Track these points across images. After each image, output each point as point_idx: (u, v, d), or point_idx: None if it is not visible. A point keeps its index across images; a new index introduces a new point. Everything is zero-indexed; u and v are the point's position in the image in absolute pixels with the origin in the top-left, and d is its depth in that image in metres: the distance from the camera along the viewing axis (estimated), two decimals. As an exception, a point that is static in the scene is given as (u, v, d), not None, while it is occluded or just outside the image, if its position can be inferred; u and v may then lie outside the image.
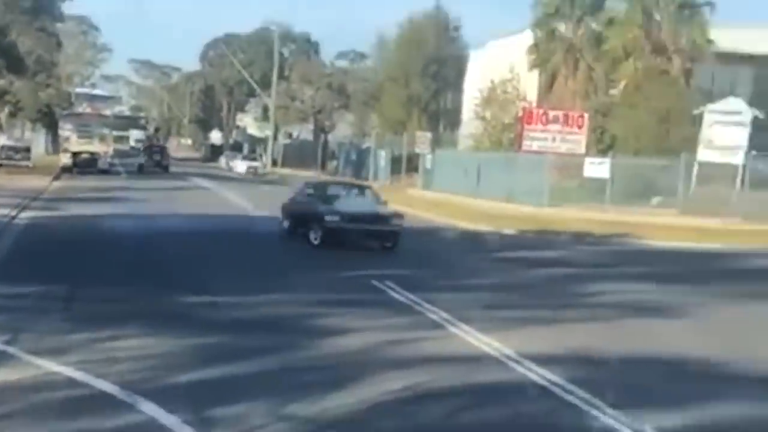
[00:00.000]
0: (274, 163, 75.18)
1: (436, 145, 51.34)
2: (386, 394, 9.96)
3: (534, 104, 46.01)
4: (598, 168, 36.33)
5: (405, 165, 50.94)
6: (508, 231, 30.51)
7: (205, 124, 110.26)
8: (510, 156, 42.03)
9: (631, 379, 11.46)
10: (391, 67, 67.54)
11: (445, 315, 14.79)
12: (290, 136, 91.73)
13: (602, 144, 41.23)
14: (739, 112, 37.71)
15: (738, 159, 35.83)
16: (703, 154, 36.61)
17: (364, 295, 16.68)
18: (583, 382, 10.84)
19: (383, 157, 54.42)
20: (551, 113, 40.71)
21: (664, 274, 21.94)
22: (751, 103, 39.16)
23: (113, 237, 23.75)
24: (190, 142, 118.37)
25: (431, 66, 65.39)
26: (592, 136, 40.81)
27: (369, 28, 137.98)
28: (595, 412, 9.86)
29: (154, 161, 61.89)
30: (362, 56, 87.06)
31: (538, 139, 39.83)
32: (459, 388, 10.60)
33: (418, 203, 40.37)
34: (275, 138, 79.59)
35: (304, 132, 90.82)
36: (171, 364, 10.72)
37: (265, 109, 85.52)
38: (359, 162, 60.63)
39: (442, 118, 67.14)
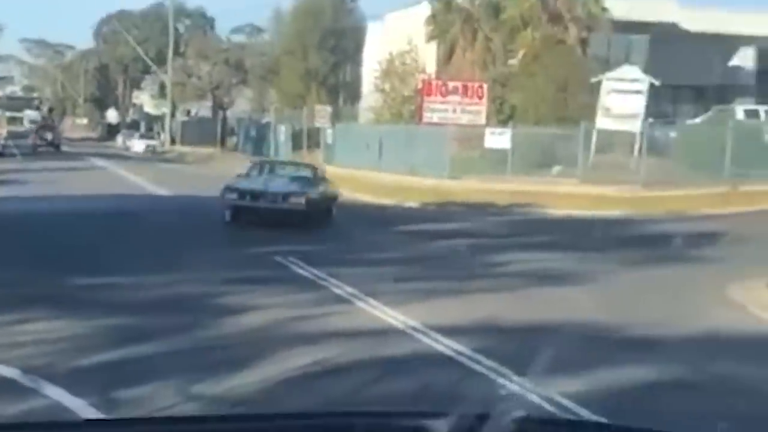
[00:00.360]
0: (173, 140, 74.23)
1: (336, 119, 51.12)
2: (294, 370, 9.87)
3: (433, 76, 46.05)
4: (498, 138, 36.53)
5: (306, 140, 50.62)
6: (411, 204, 30.56)
7: (100, 103, 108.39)
8: (411, 128, 42.06)
9: (537, 346, 11.54)
10: (288, 40, 67.06)
11: (350, 289, 14.74)
12: (188, 113, 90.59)
13: (502, 114, 41.47)
14: (635, 80, 38.25)
15: (636, 126, 36.34)
16: (602, 123, 37.07)
17: (268, 271, 16.54)
18: (490, 351, 10.89)
19: (283, 132, 54.00)
20: (450, 84, 40.80)
21: (566, 242, 22.19)
22: (647, 71, 39.76)
23: (11, 220, 23.15)
24: (86, 121, 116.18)
25: (329, 39, 65.11)
26: (492, 106, 41.02)
27: (265, 2, 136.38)
28: (502, 380, 9.91)
29: (45, 141, 61.03)
30: (259, 30, 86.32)
31: (438, 110, 39.91)
32: (367, 362, 10.55)
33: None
34: (173, 115, 78.51)
35: (203, 109, 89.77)
36: (75, 347, 10.50)
37: (162, 87, 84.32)
38: (259, 138, 60.09)
39: (342, 91, 66.96)
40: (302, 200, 23.18)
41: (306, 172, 26.14)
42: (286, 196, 23.28)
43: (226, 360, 10.27)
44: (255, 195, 23.23)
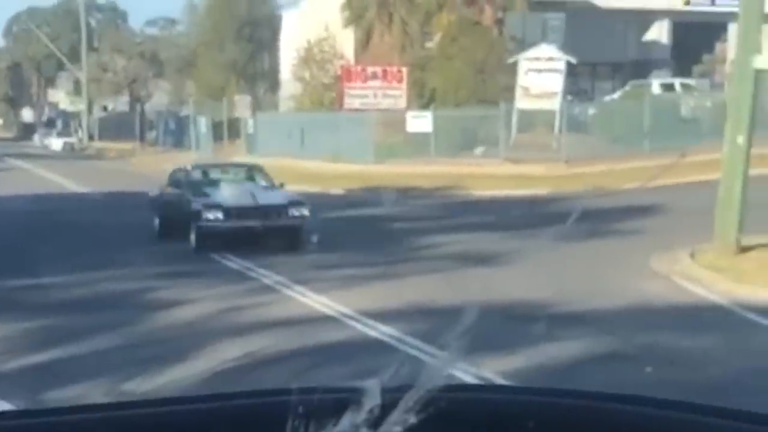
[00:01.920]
0: (91, 137, 73.18)
1: (257, 109, 50.80)
2: (226, 362, 9.80)
3: (352, 62, 45.98)
4: (420, 122, 36.59)
5: (227, 131, 50.20)
6: (336, 191, 30.50)
7: (14, 103, 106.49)
8: (332, 115, 41.95)
9: (469, 327, 11.56)
10: (204, 32, 66.41)
11: (279, 278, 14.68)
12: (105, 108, 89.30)
13: (423, 98, 41.52)
14: (552, 59, 38.55)
15: (555, 105, 36.64)
16: (521, 102, 37.31)
17: (197, 265, 16.41)
18: (422, 334, 10.89)
19: (204, 124, 53.45)
20: (370, 70, 40.77)
21: (492, 222, 22.31)
22: (564, 49, 40.10)
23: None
24: (0, 121, 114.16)
25: (245, 28, 64.56)
26: (412, 90, 41.07)
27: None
28: (435, 362, 9.91)
29: None
30: (173, 22, 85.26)
31: (359, 96, 39.87)
32: (299, 351, 10.50)
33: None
34: (90, 112, 77.39)
35: (120, 104, 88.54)
36: (2, 349, 10.29)
37: (77, 83, 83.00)
38: (179, 130, 59.46)
39: (261, 80, 66.47)
40: (306, 212, 18.86)
41: (261, 176, 21.25)
42: (283, 210, 18.62)
43: (157, 356, 10.15)
44: (243, 212, 18.14)
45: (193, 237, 17.95)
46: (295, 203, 18.83)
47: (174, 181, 20.84)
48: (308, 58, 48.97)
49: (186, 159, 48.26)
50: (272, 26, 64.23)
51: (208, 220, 17.83)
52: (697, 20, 50.27)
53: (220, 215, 17.87)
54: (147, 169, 42.06)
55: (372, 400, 1.67)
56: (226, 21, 63.92)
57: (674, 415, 1.91)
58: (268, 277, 14.83)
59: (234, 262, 16.36)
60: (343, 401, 1.69)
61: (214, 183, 19.89)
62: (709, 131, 30.77)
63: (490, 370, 9.49)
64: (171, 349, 10.53)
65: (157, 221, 20.32)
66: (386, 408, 1.62)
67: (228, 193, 18.95)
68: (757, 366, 10.16)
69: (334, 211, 25.39)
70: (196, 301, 13.11)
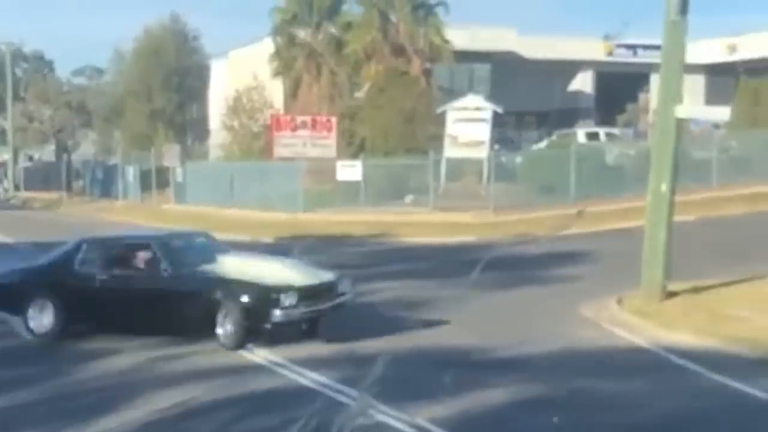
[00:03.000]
0: (17, 187, 72.25)
1: (186, 158, 50.61)
2: (156, 412, 9.71)
3: (281, 111, 46.10)
4: (350, 171, 36.71)
5: (155, 180, 49.91)
6: (266, 239, 30.40)
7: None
8: (262, 164, 41.92)
9: (400, 374, 11.60)
10: (131, 81, 66.16)
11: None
12: (31, 158, 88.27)
13: (352, 147, 41.70)
14: (479, 109, 39.02)
15: (482, 154, 37.02)
16: (450, 151, 37.65)
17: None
18: (353, 381, 10.89)
19: (132, 174, 53.12)
20: (299, 119, 40.88)
21: (422, 269, 22.39)
22: (491, 99, 40.63)
23: None
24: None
25: (173, 78, 64.45)
26: (341, 139, 41.24)
27: (104, 43, 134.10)
28: (368, 410, 9.91)
29: None
30: (100, 71, 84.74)
31: (288, 145, 39.91)
32: (230, 400, 10.45)
33: (172, 218, 39.66)
34: (15, 161, 76.45)
35: (46, 153, 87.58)
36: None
37: (2, 133, 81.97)
38: (107, 180, 58.95)
39: (190, 129, 66.31)
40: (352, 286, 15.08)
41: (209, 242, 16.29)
42: (335, 286, 14.63)
43: (85, 406, 10.03)
44: (315, 293, 14.00)
45: (232, 329, 13.47)
46: (343, 281, 14.91)
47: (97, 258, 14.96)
48: (237, 107, 48.99)
49: (114, 208, 47.93)
50: (201, 75, 64.21)
51: (284, 307, 13.44)
52: (620, 71, 51.38)
53: (293, 300, 13.56)
54: (75, 218, 41.60)
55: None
56: (154, 70, 63.78)
57: None
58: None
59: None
60: None
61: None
62: (633, 179, 31.35)
63: (422, 417, 9.53)
64: (100, 398, 10.42)
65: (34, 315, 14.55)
66: None
67: (288, 270, 14.36)
68: (680, 407, 10.33)
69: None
70: (125, 351, 13.00)
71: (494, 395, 10.56)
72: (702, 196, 31.47)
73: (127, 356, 12.59)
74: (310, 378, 11.39)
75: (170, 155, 48.27)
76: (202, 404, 10.07)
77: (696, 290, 16.93)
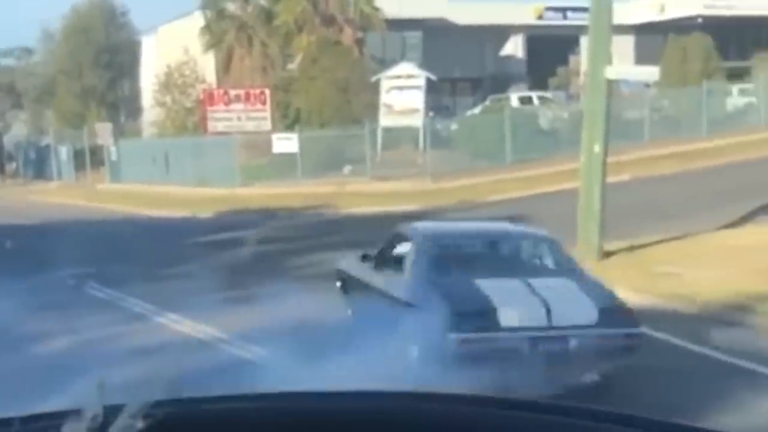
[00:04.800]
0: (-53, 172, 71.17)
1: (119, 136, 50.15)
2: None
3: (214, 85, 45.79)
4: (286, 143, 36.64)
5: (89, 159, 49.40)
6: (205, 215, 30.32)
7: None
8: (197, 139, 41.68)
9: (342, 344, 11.68)
10: (61, 60, 65.27)
11: (149, 306, 14.54)
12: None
13: (288, 119, 41.58)
14: (412, 76, 39.11)
15: (417, 121, 37.17)
16: (385, 120, 37.73)
17: (64, 295, 16.08)
18: (294, 353, 10.95)
19: (65, 153, 52.53)
20: (232, 92, 40.63)
21: (360, 240, 22.45)
22: (423, 66, 40.73)
23: None
24: None
25: (103, 55, 63.69)
26: (276, 111, 41.08)
27: (32, 22, 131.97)
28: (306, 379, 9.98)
29: None
30: (29, 52, 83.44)
31: (222, 119, 39.67)
32: (176, 378, 10.43)
33: (107, 196, 39.42)
34: (-55, 145, 75.21)
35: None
36: None
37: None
38: (40, 160, 58.26)
39: (122, 107, 65.64)
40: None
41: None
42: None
43: (26, 390, 9.95)
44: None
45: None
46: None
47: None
48: (169, 83, 48.56)
49: (48, 189, 47.34)
50: (131, 52, 63.51)
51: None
52: (550, 34, 51.69)
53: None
54: (7, 201, 41.08)
55: (93, 407, 1.78)
56: (83, 48, 62.99)
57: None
58: (140, 306, 14.68)
59: (102, 292, 16.13)
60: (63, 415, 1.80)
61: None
62: (567, 142, 31.68)
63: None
64: (43, 381, 10.34)
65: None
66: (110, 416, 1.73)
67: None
68: (625, 365, 10.51)
69: (202, 235, 25.27)
70: (66, 333, 12.90)
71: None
72: (635, 155, 31.92)
73: (62, 339, 12.50)
74: (254, 352, 11.46)
75: (103, 133, 47.78)
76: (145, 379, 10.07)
77: (631, 249, 17.23)
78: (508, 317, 9.82)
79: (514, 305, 9.98)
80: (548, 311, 9.88)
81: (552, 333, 9.84)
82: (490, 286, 10.22)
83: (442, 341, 9.56)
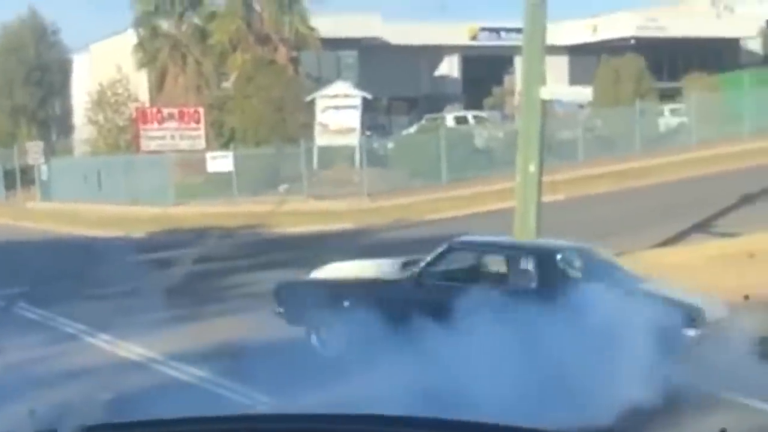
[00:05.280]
0: None
1: (51, 154, 49.47)
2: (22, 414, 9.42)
3: (147, 104, 45.37)
4: (221, 162, 36.38)
5: (20, 178, 48.70)
6: (137, 234, 29.94)
7: None
8: (129, 158, 41.23)
9: (278, 364, 11.55)
10: (-9, 78, 64.46)
11: (81, 326, 14.27)
12: None
13: (223, 137, 41.31)
14: (348, 96, 39.09)
15: (353, 140, 37.14)
16: (321, 139, 37.64)
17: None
18: (231, 374, 10.80)
19: (-6, 172, 51.80)
20: (165, 111, 40.27)
21: (294, 259, 22.30)
22: (359, 86, 40.75)
23: None
24: None
25: (34, 73, 62.93)
26: (211, 130, 40.80)
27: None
28: (249, 402, 9.84)
29: None
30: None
31: (155, 138, 39.27)
32: (108, 399, 10.21)
33: (38, 216, 38.77)
34: None
35: None
36: None
37: None
38: (-32, 181, 57.37)
39: (54, 125, 64.82)
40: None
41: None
42: None
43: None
44: None
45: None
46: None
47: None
48: (101, 101, 48.05)
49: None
50: (63, 70, 62.81)
51: None
52: (485, 54, 52.03)
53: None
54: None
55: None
56: (14, 67, 62.20)
57: None
58: (70, 326, 14.41)
59: (33, 313, 15.81)
60: None
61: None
62: (502, 161, 31.85)
63: (302, 405, 9.48)
64: None
65: None
66: None
67: None
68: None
69: (135, 255, 24.93)
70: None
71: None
72: (570, 175, 32.16)
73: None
74: (188, 372, 11.25)
75: (34, 152, 47.07)
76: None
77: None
78: (711, 314, 10.72)
79: (705, 303, 10.92)
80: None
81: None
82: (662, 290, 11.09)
83: (678, 337, 10.22)
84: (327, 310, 12.07)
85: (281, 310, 12.80)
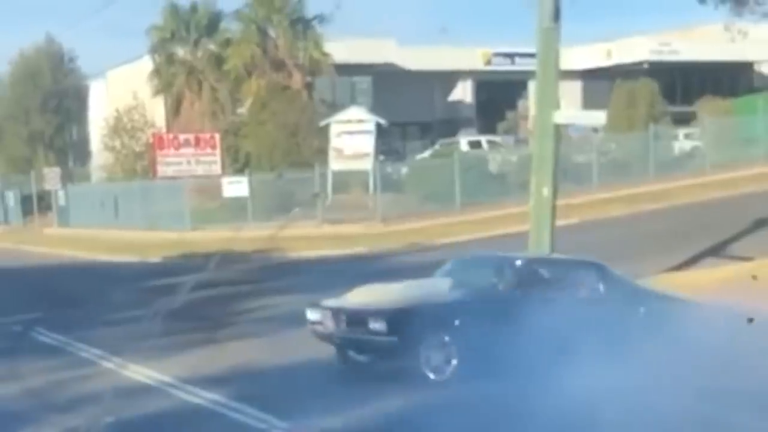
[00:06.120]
0: None
1: (68, 180, 49.79)
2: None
3: (163, 129, 45.64)
4: (236, 187, 36.54)
5: (37, 204, 49.02)
6: (154, 259, 30.09)
7: None
8: (146, 184, 41.45)
9: (294, 389, 11.62)
10: (8, 105, 64.91)
11: (97, 351, 14.38)
12: None
13: (238, 163, 41.53)
14: (362, 121, 39.20)
15: (367, 165, 37.21)
16: (335, 164, 37.75)
17: (9, 342, 15.86)
18: (248, 398, 10.86)
19: (12, 198, 52.08)
20: (182, 137, 40.49)
21: (308, 284, 22.37)
22: (373, 111, 40.86)
23: None
24: None
25: (51, 100, 63.44)
26: (226, 155, 40.98)
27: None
28: (264, 426, 9.90)
29: None
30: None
31: (172, 164, 39.46)
32: (122, 423, 10.30)
33: (56, 241, 39.03)
34: None
35: None
36: None
37: None
38: (-14, 206, 57.73)
39: (71, 152, 65.21)
40: None
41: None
42: None
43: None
44: None
45: None
46: None
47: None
48: (118, 127, 48.35)
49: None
50: (79, 97, 63.24)
51: None
52: (498, 79, 52.17)
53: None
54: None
55: None
56: (31, 93, 62.70)
57: None
58: (86, 351, 14.51)
59: (49, 338, 15.92)
60: None
61: None
62: (516, 185, 31.90)
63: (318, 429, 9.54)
64: None
65: None
66: None
67: None
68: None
69: (151, 280, 25.02)
70: (12, 379, 12.71)
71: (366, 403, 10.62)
72: (584, 198, 32.20)
73: (8, 385, 12.29)
74: (203, 397, 11.32)
75: (51, 178, 47.40)
76: (94, 429, 9.92)
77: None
78: None
79: None
80: None
81: None
82: None
83: None
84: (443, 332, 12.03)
85: (394, 339, 11.90)
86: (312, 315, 12.93)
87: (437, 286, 12.95)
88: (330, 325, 12.55)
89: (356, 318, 12.22)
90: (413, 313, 12.02)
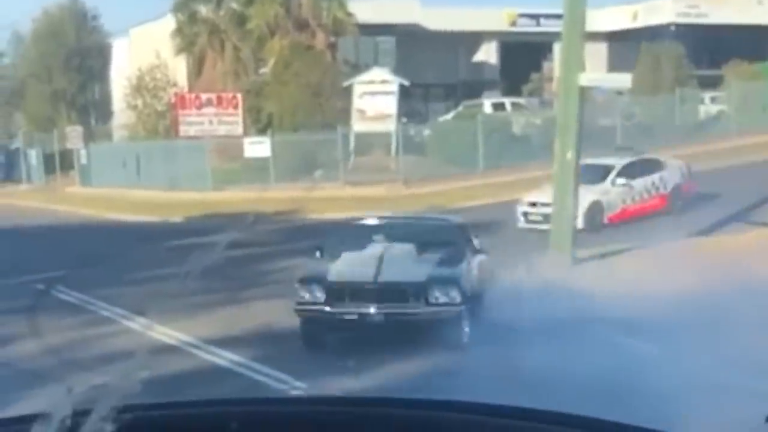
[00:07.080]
0: None
1: (90, 139, 49.82)
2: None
3: (185, 89, 45.55)
4: (258, 147, 36.51)
5: (59, 163, 49.10)
6: (176, 219, 30.12)
7: None
8: (168, 143, 41.45)
9: (310, 350, 11.60)
10: (31, 63, 64.87)
11: (119, 310, 14.38)
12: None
13: (260, 123, 41.41)
14: (385, 82, 39.05)
15: (390, 127, 37.10)
16: (358, 125, 37.64)
17: (31, 300, 15.91)
18: (268, 359, 10.85)
19: (35, 157, 52.21)
20: (204, 96, 40.44)
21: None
22: (396, 72, 40.66)
23: None
24: None
25: (74, 58, 63.30)
26: (248, 116, 40.91)
27: (2, 26, 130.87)
28: (284, 387, 9.89)
29: None
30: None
31: (194, 123, 39.45)
32: (144, 384, 10.30)
33: (78, 200, 39.11)
34: None
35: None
36: None
37: None
38: (9, 164, 57.81)
39: (93, 110, 65.21)
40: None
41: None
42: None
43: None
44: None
45: None
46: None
47: None
48: (140, 87, 48.28)
49: (17, 192, 46.98)
50: (102, 55, 63.11)
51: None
52: (523, 40, 51.74)
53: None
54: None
55: (62, 411, 1.72)
56: (54, 51, 62.57)
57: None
58: (108, 310, 14.53)
59: (71, 296, 15.95)
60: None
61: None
62: (540, 148, 31.67)
63: (337, 389, 9.52)
64: (10, 387, 10.20)
65: None
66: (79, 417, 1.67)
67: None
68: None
69: (173, 239, 25.05)
70: (35, 337, 12.74)
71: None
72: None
73: (32, 343, 12.32)
74: (224, 357, 11.32)
75: (73, 137, 47.46)
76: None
77: (603, 256, 17.19)
78: None
79: None
80: None
81: None
82: None
83: None
84: None
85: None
86: None
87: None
88: None
89: None
90: None
